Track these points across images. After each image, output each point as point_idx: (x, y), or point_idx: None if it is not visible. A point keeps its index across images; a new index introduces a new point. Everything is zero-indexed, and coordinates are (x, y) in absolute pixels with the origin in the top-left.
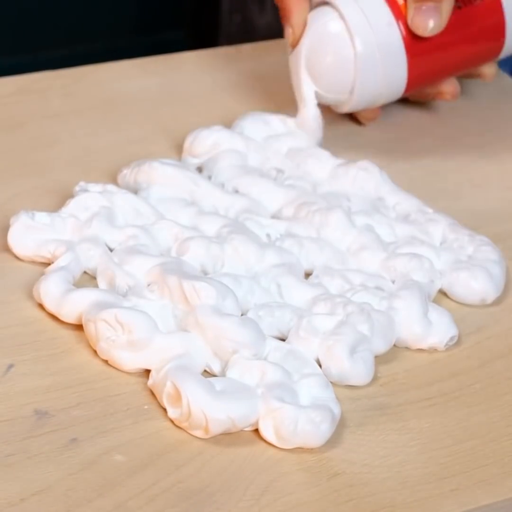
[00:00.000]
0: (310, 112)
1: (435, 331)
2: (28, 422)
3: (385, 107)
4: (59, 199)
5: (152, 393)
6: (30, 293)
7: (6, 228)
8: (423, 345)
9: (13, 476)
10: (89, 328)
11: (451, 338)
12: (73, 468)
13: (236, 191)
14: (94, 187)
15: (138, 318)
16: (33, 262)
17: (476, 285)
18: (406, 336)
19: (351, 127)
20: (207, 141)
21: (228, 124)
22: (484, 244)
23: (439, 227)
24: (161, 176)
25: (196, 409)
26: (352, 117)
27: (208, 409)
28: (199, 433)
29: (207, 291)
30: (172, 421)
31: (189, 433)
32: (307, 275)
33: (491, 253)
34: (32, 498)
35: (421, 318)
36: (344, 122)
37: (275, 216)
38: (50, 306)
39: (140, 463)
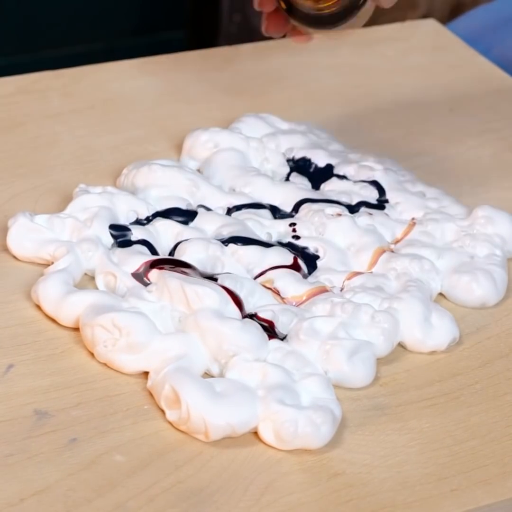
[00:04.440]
0: None
1: (436, 334)
2: (28, 422)
3: (387, 106)
4: (59, 199)
5: (152, 394)
6: (29, 293)
7: (6, 228)
8: (425, 349)
9: (13, 476)
10: (86, 332)
11: (453, 340)
12: (73, 468)
13: (236, 192)
14: (94, 189)
15: (136, 320)
16: (32, 262)
17: (478, 290)
18: (407, 339)
19: (351, 126)
20: (206, 143)
21: (227, 124)
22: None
23: (446, 229)
24: (161, 178)
25: (195, 414)
26: None
27: (208, 415)
28: (199, 437)
29: (210, 296)
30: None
31: (188, 434)
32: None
33: (495, 256)
34: (32, 498)
35: (422, 322)
36: (345, 121)
37: (275, 216)
38: (48, 309)
39: (140, 463)
